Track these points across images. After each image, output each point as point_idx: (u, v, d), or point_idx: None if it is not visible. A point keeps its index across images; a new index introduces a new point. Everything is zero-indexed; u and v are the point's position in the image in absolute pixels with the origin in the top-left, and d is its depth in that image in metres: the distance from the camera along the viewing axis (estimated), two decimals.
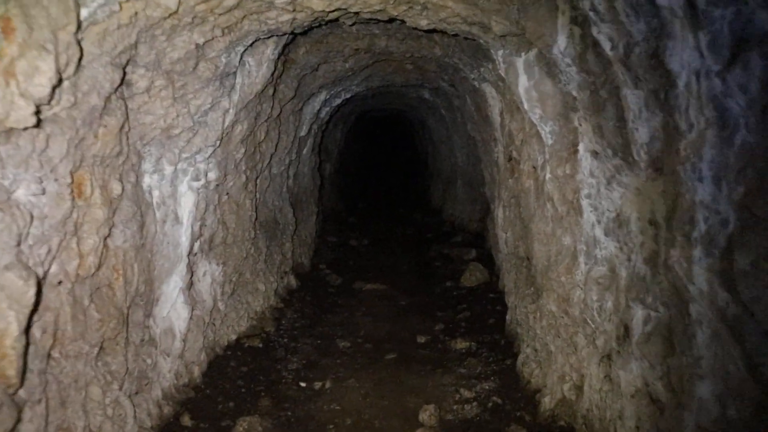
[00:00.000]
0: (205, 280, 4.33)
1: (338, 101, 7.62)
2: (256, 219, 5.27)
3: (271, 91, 4.64)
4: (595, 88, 2.72)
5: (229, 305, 4.82)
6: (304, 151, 7.67)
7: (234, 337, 4.88)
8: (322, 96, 6.67)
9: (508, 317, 5.12)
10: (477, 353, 4.83)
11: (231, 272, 4.72)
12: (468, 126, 7.13)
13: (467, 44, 4.73)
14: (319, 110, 7.21)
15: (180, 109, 3.27)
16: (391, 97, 10.38)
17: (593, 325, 3.16)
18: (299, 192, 7.64)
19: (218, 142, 3.84)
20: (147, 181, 3.34)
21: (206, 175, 3.90)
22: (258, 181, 5.43)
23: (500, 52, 3.60)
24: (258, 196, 5.51)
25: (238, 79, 3.78)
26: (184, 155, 3.56)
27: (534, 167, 3.77)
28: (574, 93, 3.01)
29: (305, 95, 6.13)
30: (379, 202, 14.82)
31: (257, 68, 3.97)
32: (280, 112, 5.40)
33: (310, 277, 7.27)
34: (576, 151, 3.19)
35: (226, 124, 3.82)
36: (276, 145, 5.60)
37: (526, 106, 3.46)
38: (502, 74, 3.71)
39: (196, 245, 4.10)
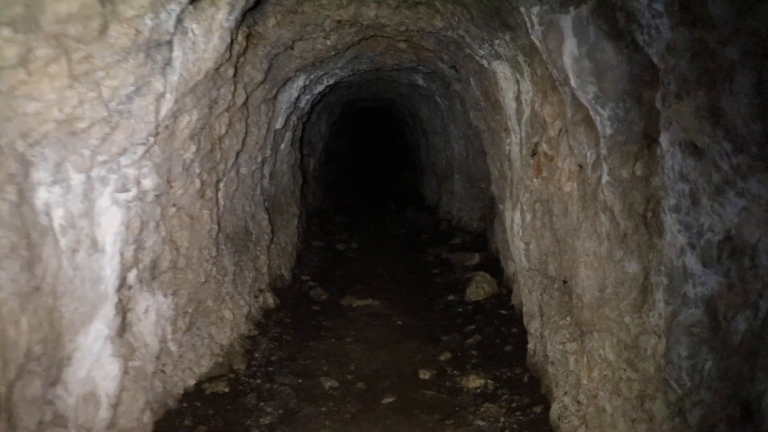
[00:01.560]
0: (147, 318, 3.34)
1: (320, 88, 6.61)
2: (219, 232, 4.27)
3: (230, 72, 3.64)
4: (704, 47, 1.76)
5: (184, 343, 3.83)
6: (282, 146, 6.66)
7: (193, 382, 3.90)
8: (300, 81, 5.66)
9: (530, 346, 4.19)
10: (495, 395, 3.90)
11: (185, 303, 3.73)
12: (470, 114, 6.16)
13: (480, 9, 3.75)
14: (298, 98, 6.21)
15: (85, 93, 2.27)
16: (380, 84, 9.38)
17: (681, 391, 2.23)
18: (277, 193, 6.64)
19: (153, 139, 2.84)
20: (42, 196, 2.34)
21: (139, 184, 2.91)
22: (221, 185, 4.44)
23: (535, 9, 2.63)
24: (222, 203, 4.51)
25: (177, 52, 2.78)
26: (100, 158, 2.56)
27: (580, 165, 2.82)
28: (657, 59, 2.05)
29: (279, 80, 5.13)
30: (368, 198, 13.84)
31: (205, 38, 2.97)
32: (247, 99, 4.40)
33: (291, 292, 6.29)
34: (653, 145, 2.24)
35: (163, 113, 2.82)
36: (243, 141, 4.60)
37: (574, 81, 2.50)
38: (537, 41, 2.74)
39: (131, 276, 3.11)
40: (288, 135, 6.70)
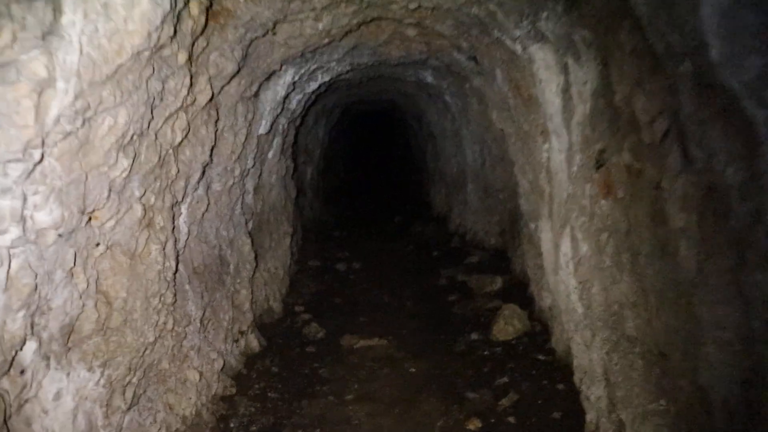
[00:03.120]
0: (61, 405, 2.33)
1: (314, 86, 5.61)
2: (176, 271, 3.27)
3: (181, 57, 2.64)
4: None
5: (126, 426, 2.82)
6: (270, 155, 5.67)
7: None
8: (289, 76, 4.67)
9: (590, 418, 3.16)
10: None
11: (124, 373, 2.72)
12: (492, 115, 5.15)
13: None
14: (287, 98, 5.21)
15: None
16: (383, 83, 8.39)
17: None
18: (264, 210, 5.64)
19: (40, 152, 1.84)
20: None
21: (24, 220, 1.90)
22: (183, 208, 3.44)
23: None
24: (185, 230, 3.51)
25: (73, 16, 1.78)
26: None
27: (710, 187, 1.81)
28: None
29: (261, 73, 4.13)
30: (371, 208, 12.84)
31: (127, 0, 1.97)
32: (214, 96, 3.40)
33: (281, 328, 5.27)
34: None
35: (54, 112, 1.82)
36: (212, 149, 3.60)
37: (716, 52, 1.49)
38: None
39: (27, 353, 2.11)
40: (277, 141, 5.70)
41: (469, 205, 8.42)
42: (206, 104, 3.29)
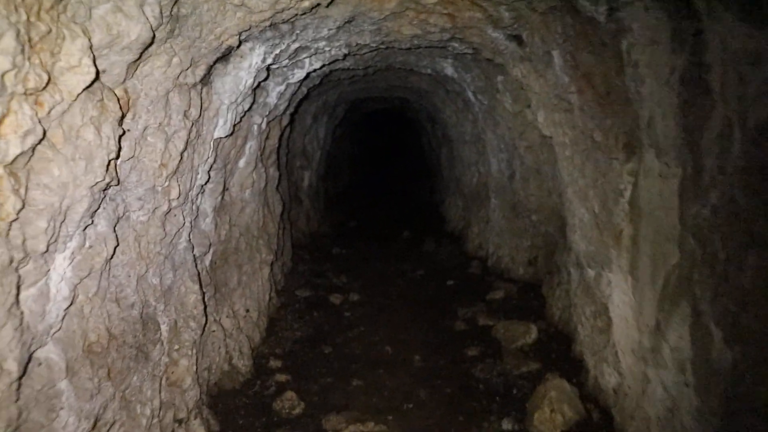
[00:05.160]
0: None
1: (300, 74, 4.28)
2: (38, 364, 1.95)
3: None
4: None
5: None
6: (241, 164, 4.34)
7: None
8: (257, 57, 3.32)
9: None
10: None
11: None
12: (539, 116, 3.77)
13: None
14: (260, 88, 3.90)
15: None
16: (393, 77, 7.07)
17: None
18: (231, 237, 4.31)
19: None
20: None
21: None
22: (55, 259, 2.11)
23: None
24: (66, 291, 2.19)
25: None
26: None
27: None
28: None
29: (207, 49, 2.80)
30: (377, 217, 11.49)
31: None
32: (97, 77, 2.07)
33: (246, 398, 3.94)
34: None
35: None
36: (115, 164, 2.28)
37: None
38: None
39: None
40: (251, 146, 4.37)
41: (492, 223, 7.05)
42: (85, 90, 1.96)
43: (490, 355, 4.59)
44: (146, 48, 2.25)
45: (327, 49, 3.94)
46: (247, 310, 4.52)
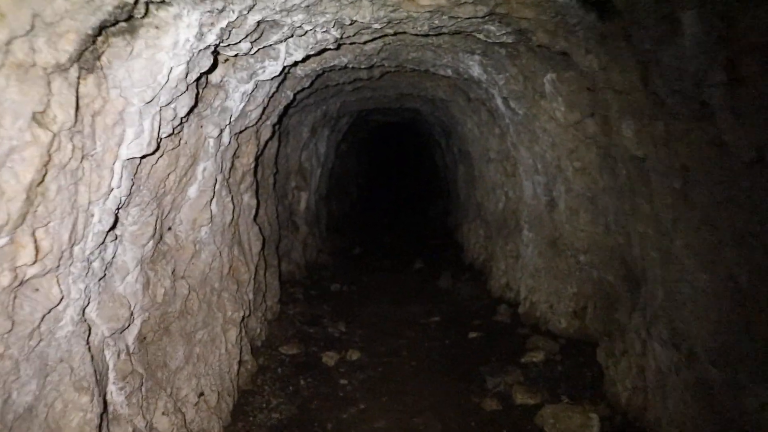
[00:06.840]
0: None
1: (274, 67, 3.05)
2: None
3: None
4: None
5: None
6: (191, 192, 3.11)
7: None
8: (184, 29, 2.09)
9: None
10: None
11: None
12: (622, 128, 2.52)
13: None
14: (208, 84, 2.69)
15: None
16: (403, 82, 5.86)
17: None
18: (175, 297, 3.05)
19: None
20: None
21: None
22: None
23: None
24: None
25: None
26: None
27: None
28: None
29: (71, 4, 1.59)
30: (385, 243, 10.23)
31: None
32: None
33: None
34: None
35: None
36: None
37: None
38: None
39: None
40: (204, 168, 3.14)
41: (525, 260, 5.76)
42: None
43: None
44: None
45: (308, 28, 2.71)
46: (201, 394, 3.26)
